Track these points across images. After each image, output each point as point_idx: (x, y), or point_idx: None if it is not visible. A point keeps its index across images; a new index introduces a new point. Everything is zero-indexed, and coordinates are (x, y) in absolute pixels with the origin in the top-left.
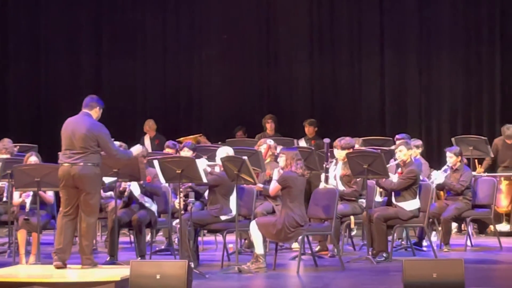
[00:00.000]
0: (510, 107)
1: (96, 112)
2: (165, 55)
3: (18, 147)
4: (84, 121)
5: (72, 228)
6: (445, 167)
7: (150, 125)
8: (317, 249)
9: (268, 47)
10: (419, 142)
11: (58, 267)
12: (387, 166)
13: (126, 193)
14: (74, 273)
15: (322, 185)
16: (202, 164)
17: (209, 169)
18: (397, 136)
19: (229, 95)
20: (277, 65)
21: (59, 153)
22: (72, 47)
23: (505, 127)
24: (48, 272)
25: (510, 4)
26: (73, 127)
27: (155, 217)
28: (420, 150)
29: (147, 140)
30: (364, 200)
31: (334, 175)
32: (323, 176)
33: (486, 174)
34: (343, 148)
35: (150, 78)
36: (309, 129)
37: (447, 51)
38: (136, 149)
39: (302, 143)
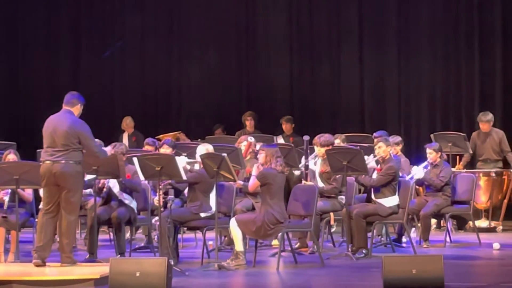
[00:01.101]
0: (488, 103)
1: (77, 109)
2: (144, 52)
3: None
4: (65, 118)
5: (53, 226)
6: (425, 163)
7: (127, 123)
8: (296, 246)
9: (247, 44)
10: (399, 139)
11: (37, 265)
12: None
13: (104, 189)
14: (54, 271)
15: (297, 172)
16: (181, 161)
17: (188, 167)
18: (374, 134)
19: (208, 92)
20: (256, 62)
21: (38, 150)
22: (50, 44)
23: (481, 114)
24: (27, 270)
25: None
26: (55, 125)
27: (135, 214)
28: (400, 147)
29: (124, 137)
30: (343, 197)
31: (315, 161)
32: (298, 172)
33: (465, 170)
34: (322, 145)
35: (128, 75)
36: (286, 126)
37: (426, 47)
38: (109, 150)
39: (280, 140)
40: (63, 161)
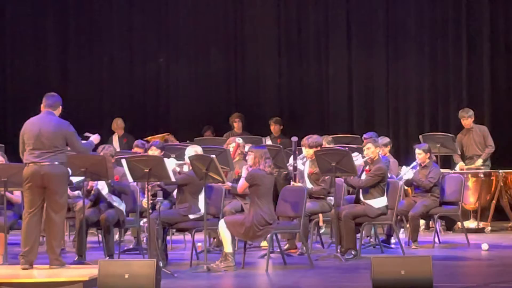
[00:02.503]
0: (476, 104)
1: (59, 111)
2: (133, 53)
3: None
4: (51, 120)
5: (38, 228)
6: (413, 163)
7: (118, 124)
8: (285, 247)
9: (235, 46)
10: (387, 140)
11: (25, 270)
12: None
13: (93, 191)
14: (42, 273)
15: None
16: (171, 164)
17: (178, 169)
18: (364, 136)
19: (197, 93)
20: (244, 64)
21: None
22: (38, 45)
23: (462, 111)
24: (15, 273)
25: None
26: (40, 126)
27: (124, 216)
28: (388, 148)
29: (115, 138)
30: (332, 198)
31: (303, 161)
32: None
33: (453, 171)
34: (310, 147)
35: (118, 77)
36: (274, 128)
37: (414, 48)
38: (94, 138)
39: (268, 141)
40: (49, 163)
